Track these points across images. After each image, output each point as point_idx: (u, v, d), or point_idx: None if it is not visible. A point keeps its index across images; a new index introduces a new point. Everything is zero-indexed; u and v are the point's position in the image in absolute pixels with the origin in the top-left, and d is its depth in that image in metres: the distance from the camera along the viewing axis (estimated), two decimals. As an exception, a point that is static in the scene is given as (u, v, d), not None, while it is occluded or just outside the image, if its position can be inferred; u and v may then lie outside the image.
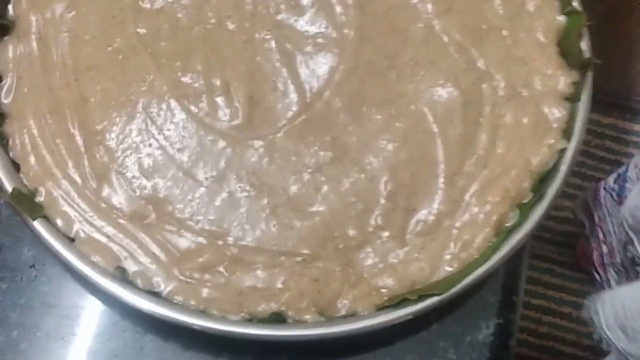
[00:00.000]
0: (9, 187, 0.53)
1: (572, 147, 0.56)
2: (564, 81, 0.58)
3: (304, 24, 0.60)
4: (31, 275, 0.57)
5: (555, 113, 0.57)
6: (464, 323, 0.57)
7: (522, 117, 0.58)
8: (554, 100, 0.58)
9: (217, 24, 0.59)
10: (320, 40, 0.59)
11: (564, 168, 0.56)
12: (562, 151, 0.56)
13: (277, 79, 0.58)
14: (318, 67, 0.59)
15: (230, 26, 0.59)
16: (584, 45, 0.58)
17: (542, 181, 0.56)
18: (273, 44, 0.59)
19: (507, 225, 0.55)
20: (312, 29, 0.60)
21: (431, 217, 0.55)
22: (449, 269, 0.54)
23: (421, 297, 0.52)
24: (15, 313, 0.56)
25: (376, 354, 0.57)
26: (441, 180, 0.56)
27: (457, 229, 0.55)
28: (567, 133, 0.57)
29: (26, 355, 0.55)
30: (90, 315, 0.56)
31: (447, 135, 0.57)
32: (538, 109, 0.58)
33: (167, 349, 0.56)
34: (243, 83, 0.58)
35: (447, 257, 0.54)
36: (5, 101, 0.57)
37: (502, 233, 0.54)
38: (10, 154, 0.56)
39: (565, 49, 0.59)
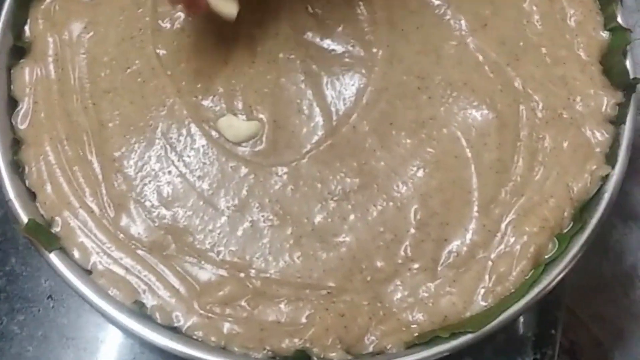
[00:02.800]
0: (24, 218, 0.52)
1: (616, 173, 0.53)
2: (607, 102, 0.55)
3: (330, 42, 0.57)
4: (49, 306, 0.55)
5: (598, 136, 0.54)
6: (498, 358, 0.54)
7: (562, 141, 0.54)
8: (596, 123, 0.54)
9: (240, 43, 0.57)
10: (347, 60, 0.57)
11: (607, 196, 0.52)
12: (605, 177, 0.53)
13: (302, 102, 0.56)
14: (345, 89, 0.56)
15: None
16: (629, 64, 0.55)
17: (583, 210, 0.53)
18: (298, 64, 0.56)
19: (546, 257, 0.52)
20: (339, 48, 0.57)
21: (464, 248, 0.52)
22: (483, 303, 0.51)
23: (453, 335, 0.49)
24: (32, 346, 0.54)
25: (406, 391, 0.54)
26: (475, 208, 0.53)
27: (492, 261, 0.52)
28: (610, 158, 0.53)
29: (44, 389, 0.54)
30: (110, 348, 0.55)
31: (482, 160, 0.54)
32: (579, 132, 0.54)
33: (188, 383, 0.54)
34: (266, 106, 0.55)
35: (481, 291, 0.51)
36: (21, 127, 0.55)
37: (540, 265, 0.51)
38: (26, 182, 0.54)
39: (609, 68, 0.55)
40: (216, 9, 0.51)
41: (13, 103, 0.56)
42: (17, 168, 0.54)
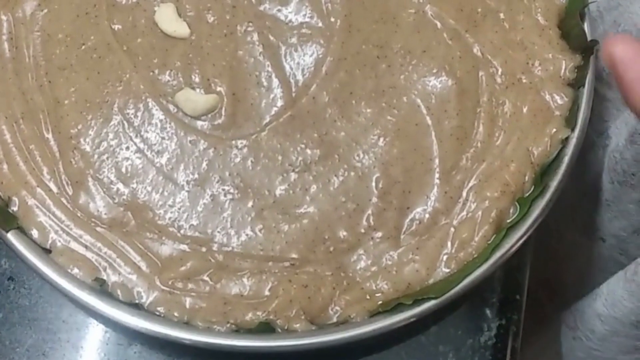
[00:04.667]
0: (-20, 199, 0.51)
1: (575, 136, 0.53)
2: (565, 65, 0.55)
3: (287, 13, 0.56)
4: (9, 288, 0.55)
5: (557, 100, 0.54)
6: (464, 325, 0.54)
7: (521, 106, 0.54)
8: (555, 87, 0.54)
9: (196, 16, 0.56)
10: (305, 30, 0.56)
11: (567, 159, 0.52)
12: (565, 140, 0.53)
13: (260, 74, 0.55)
14: (303, 60, 0.55)
15: (210, 19, 0.56)
16: (586, 26, 0.55)
17: (544, 174, 0.53)
18: (255, 36, 0.56)
19: (507, 221, 0.52)
20: (297, 19, 0.56)
21: (426, 216, 0.52)
22: (446, 270, 0.51)
23: (417, 301, 0.49)
24: (-7, 328, 0.54)
25: (373, 360, 0.54)
26: (436, 176, 0.53)
27: (454, 227, 0.52)
28: (570, 121, 0.53)
29: (7, 371, 0.53)
30: (72, 327, 0.54)
31: (442, 127, 0.54)
32: (539, 96, 0.54)
33: (154, 360, 0.54)
34: (224, 79, 0.55)
35: (444, 257, 0.51)
36: (-24, 107, 0.54)
37: (502, 230, 0.51)
38: (-18, 163, 0.53)
39: (567, 31, 0.55)
40: (168, 32, 0.55)
41: (-34, 83, 0.55)
42: (-29, 149, 0.53)
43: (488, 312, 0.54)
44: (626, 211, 0.62)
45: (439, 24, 0.56)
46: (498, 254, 0.50)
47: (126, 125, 0.54)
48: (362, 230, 0.52)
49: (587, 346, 0.69)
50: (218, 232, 0.52)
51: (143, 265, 0.51)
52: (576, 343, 0.69)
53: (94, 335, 0.54)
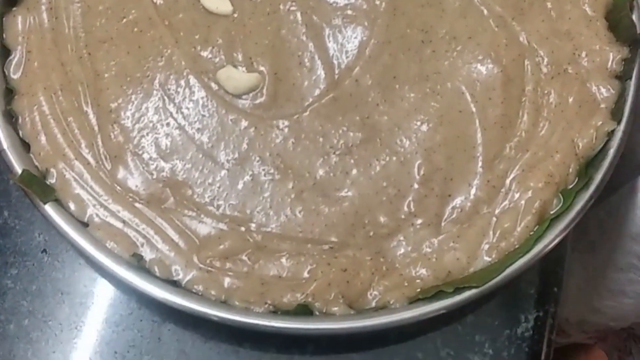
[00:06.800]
0: (18, 169, 0.50)
1: (621, 129, 0.52)
2: (612, 57, 0.54)
3: (332, -6, 0.56)
4: (43, 260, 0.54)
5: (604, 92, 0.53)
6: (501, 316, 0.54)
7: (567, 97, 0.53)
8: (602, 78, 0.54)
9: (239, -7, 0.56)
10: (349, 12, 0.55)
11: (612, 152, 0.52)
12: (611, 133, 0.52)
13: (303, 54, 0.54)
14: (347, 42, 0.55)
15: (254, -4, 0.56)
16: (635, 18, 0.54)
17: (588, 166, 0.52)
18: (299, 15, 0.55)
19: (551, 212, 0.51)
20: (341, 0, 0.56)
21: (468, 204, 0.51)
22: (487, 259, 0.50)
23: (457, 290, 0.48)
24: (26, 300, 0.53)
25: (407, 347, 0.53)
26: (479, 164, 0.52)
27: (496, 217, 0.51)
28: (616, 114, 0.52)
29: (38, 344, 0.53)
30: (105, 303, 0.53)
31: (486, 115, 0.53)
32: (585, 87, 0.54)
33: (186, 339, 0.53)
34: (267, 58, 0.54)
35: (485, 246, 0.51)
36: (14, 76, 0.54)
37: (545, 221, 0.50)
38: (20, 133, 0.52)
39: (615, 23, 0.55)
40: (211, 9, 0.55)
41: (5, 52, 0.54)
42: (10, 118, 0.52)
43: (526, 303, 0.54)
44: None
45: (485, 11, 0.55)
46: (540, 245, 0.49)
47: (167, 101, 0.53)
48: (403, 216, 0.51)
49: (584, 259, 0.67)
50: (257, 212, 0.51)
51: (181, 243, 0.50)
52: (574, 256, 0.67)
53: (128, 311, 0.53)
